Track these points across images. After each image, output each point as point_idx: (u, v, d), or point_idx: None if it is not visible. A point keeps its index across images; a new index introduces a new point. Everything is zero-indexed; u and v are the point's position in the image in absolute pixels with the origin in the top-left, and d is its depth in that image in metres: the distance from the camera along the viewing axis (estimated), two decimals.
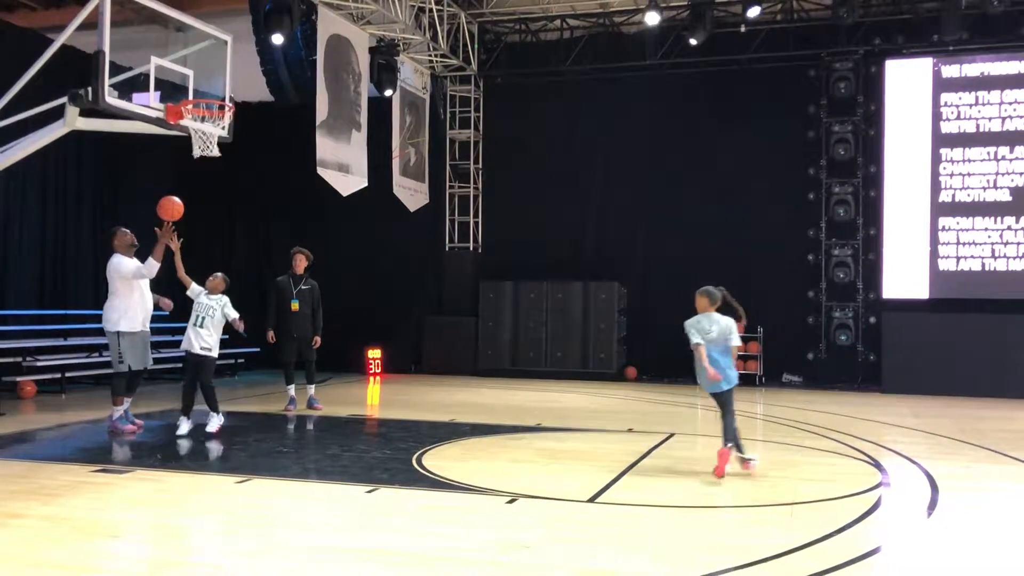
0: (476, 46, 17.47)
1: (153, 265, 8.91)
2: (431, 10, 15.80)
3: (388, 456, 7.99)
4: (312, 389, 11.38)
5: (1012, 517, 6.47)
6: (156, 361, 10.65)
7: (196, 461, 7.67)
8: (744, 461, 7.27)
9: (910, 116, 15.51)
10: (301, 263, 11.22)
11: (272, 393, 13.22)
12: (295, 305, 11.03)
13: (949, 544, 5.61)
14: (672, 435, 9.51)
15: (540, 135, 17.35)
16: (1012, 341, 14.22)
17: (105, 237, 9.33)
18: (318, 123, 13.77)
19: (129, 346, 9.06)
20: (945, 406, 12.90)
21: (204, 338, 8.98)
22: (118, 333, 9.04)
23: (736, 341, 7.27)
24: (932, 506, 6.64)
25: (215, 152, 8.83)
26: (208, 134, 8.74)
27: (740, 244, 15.97)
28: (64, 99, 8.15)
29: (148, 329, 9.34)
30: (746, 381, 15.85)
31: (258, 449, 8.27)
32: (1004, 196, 14.98)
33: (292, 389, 11.25)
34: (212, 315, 9.01)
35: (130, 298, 9.08)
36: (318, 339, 11.27)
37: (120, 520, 5.76)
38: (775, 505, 6.36)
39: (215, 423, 9.09)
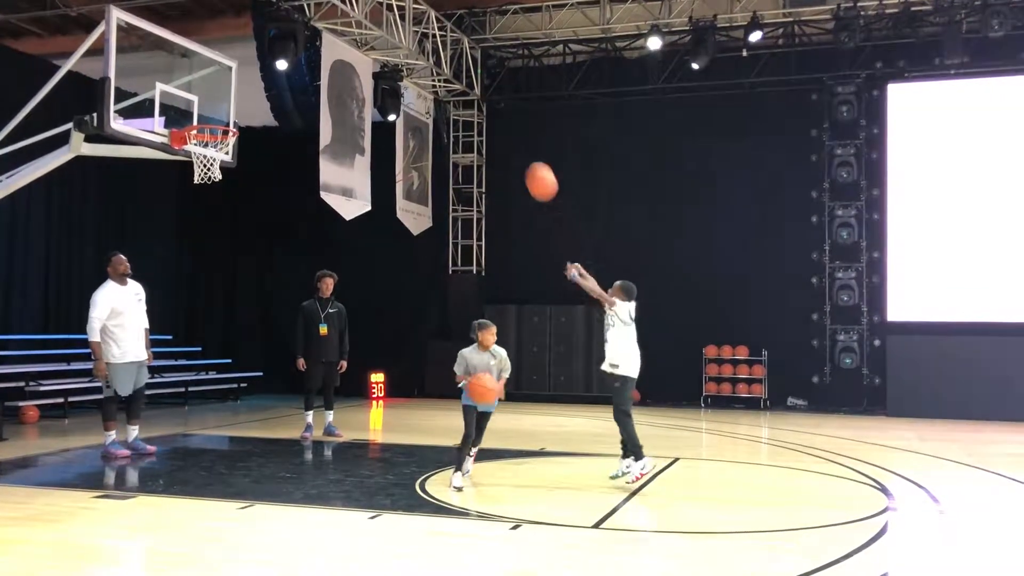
0: (479, 71, 17.56)
1: (93, 336, 8.82)
2: (434, 36, 15.89)
3: (391, 482, 7.94)
4: (331, 416, 11.10)
5: (1020, 541, 6.42)
6: (155, 386, 10.53)
7: (199, 487, 7.63)
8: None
9: (912, 139, 15.54)
10: (328, 286, 10.91)
11: (275, 417, 13.19)
12: (323, 329, 10.70)
13: (957, 569, 5.56)
14: (677, 459, 9.45)
15: (543, 159, 17.26)
16: (1017, 364, 14.16)
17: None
18: (322, 148, 13.82)
19: (115, 374, 9.01)
20: (951, 430, 12.83)
21: None
22: (107, 364, 9.01)
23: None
24: (939, 531, 6.58)
25: (216, 175, 8.86)
26: (212, 159, 8.78)
27: (744, 267, 15.95)
28: (69, 125, 8.20)
29: (141, 358, 9.25)
30: (751, 405, 15.84)
31: (261, 474, 8.22)
32: (1007, 218, 14.95)
33: (310, 416, 10.92)
34: None
35: (120, 328, 9.00)
36: (344, 364, 11.05)
37: (122, 546, 5.72)
38: (781, 531, 6.30)
39: None
